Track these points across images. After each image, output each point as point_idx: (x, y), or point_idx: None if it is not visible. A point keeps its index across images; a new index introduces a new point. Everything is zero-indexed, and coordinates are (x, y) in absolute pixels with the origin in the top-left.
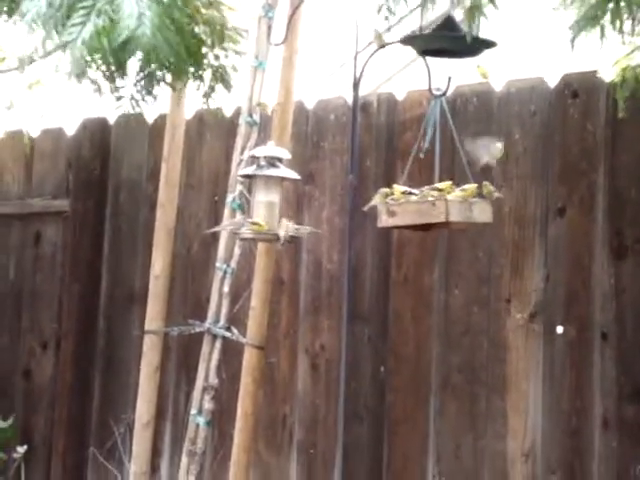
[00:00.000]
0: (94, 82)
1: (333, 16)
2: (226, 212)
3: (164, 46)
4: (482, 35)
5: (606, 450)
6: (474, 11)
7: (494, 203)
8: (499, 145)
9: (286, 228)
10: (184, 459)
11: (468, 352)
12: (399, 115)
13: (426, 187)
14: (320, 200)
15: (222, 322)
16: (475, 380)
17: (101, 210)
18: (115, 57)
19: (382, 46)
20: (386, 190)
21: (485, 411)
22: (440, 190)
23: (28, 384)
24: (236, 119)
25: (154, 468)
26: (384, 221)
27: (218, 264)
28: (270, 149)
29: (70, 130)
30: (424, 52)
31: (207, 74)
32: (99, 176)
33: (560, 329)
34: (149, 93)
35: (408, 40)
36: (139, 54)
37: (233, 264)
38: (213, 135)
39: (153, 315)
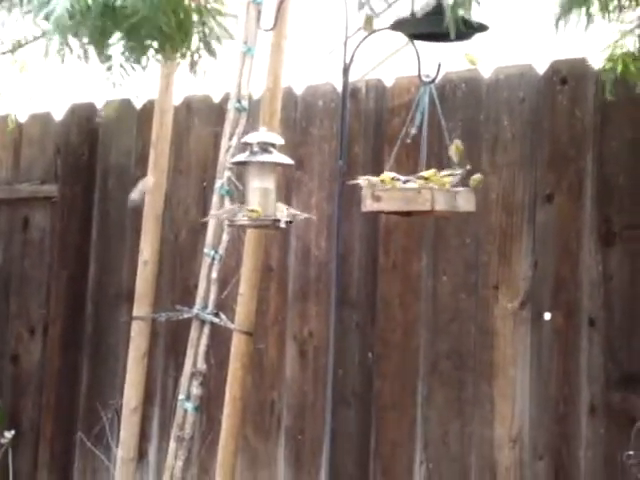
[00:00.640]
0: (82, 46)
1: (322, 2)
2: (215, 198)
3: (153, 9)
4: (473, 19)
5: (593, 436)
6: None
7: (480, 191)
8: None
9: (283, 211)
10: (172, 444)
11: (456, 339)
12: (388, 101)
13: (412, 175)
14: (308, 186)
15: (210, 308)
16: (463, 366)
17: (89, 195)
18: (101, 20)
19: (373, 32)
20: (371, 178)
21: (472, 397)
22: (426, 178)
23: (16, 369)
24: (224, 105)
25: (142, 453)
26: (369, 205)
27: (206, 250)
28: (263, 135)
29: (58, 115)
30: (414, 37)
31: (194, 41)
32: (87, 161)
33: (548, 316)
34: (137, 62)
35: (398, 25)
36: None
37: (221, 250)
38: (201, 121)
39: (141, 301)
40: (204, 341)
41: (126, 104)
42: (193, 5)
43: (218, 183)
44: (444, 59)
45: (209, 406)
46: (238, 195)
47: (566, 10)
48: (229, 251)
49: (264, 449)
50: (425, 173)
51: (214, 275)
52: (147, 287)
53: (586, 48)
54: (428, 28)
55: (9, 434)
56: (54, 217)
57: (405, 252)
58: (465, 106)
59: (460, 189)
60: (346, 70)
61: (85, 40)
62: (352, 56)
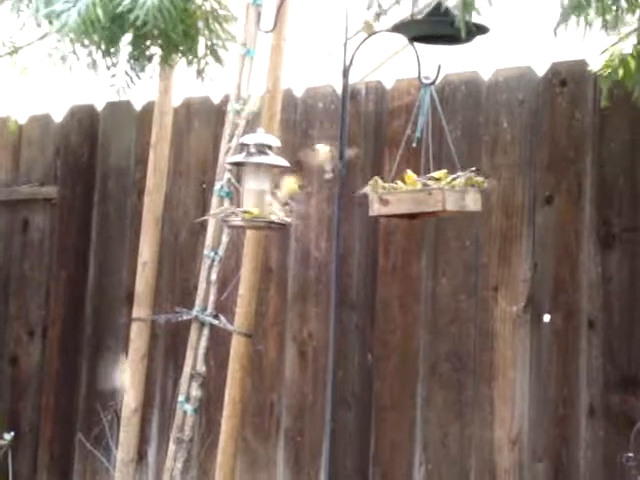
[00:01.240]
0: (89, 54)
1: (322, 3)
2: (214, 200)
3: (164, 19)
4: (474, 21)
5: (592, 438)
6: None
7: (483, 192)
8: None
9: (278, 212)
10: (171, 446)
11: (455, 340)
12: (387, 103)
13: (422, 177)
14: (308, 188)
15: (210, 310)
16: (462, 368)
17: (89, 197)
18: (110, 30)
19: (373, 34)
20: (377, 179)
21: (472, 399)
22: (437, 179)
23: (15, 371)
24: (224, 107)
25: (141, 455)
26: (376, 210)
27: (206, 251)
28: (260, 137)
29: (58, 117)
30: (414, 39)
31: (200, 48)
32: (87, 163)
33: (547, 317)
34: (142, 70)
35: (398, 27)
36: (131, 30)
37: (221, 251)
38: (201, 122)
39: (141, 302)
40: (203, 343)
41: (126, 106)
42: (199, 12)
43: (217, 185)
44: (444, 61)
45: (208, 408)
46: (237, 197)
47: (564, 18)
48: (229, 252)
49: (264, 451)
50: (436, 174)
51: (213, 276)
52: (147, 288)
53: (586, 50)
54: (428, 30)
55: (8, 436)
56: (54, 219)
57: (405, 254)
58: (465, 108)
59: (468, 189)
60: (346, 72)
61: (93, 48)
62: (352, 58)
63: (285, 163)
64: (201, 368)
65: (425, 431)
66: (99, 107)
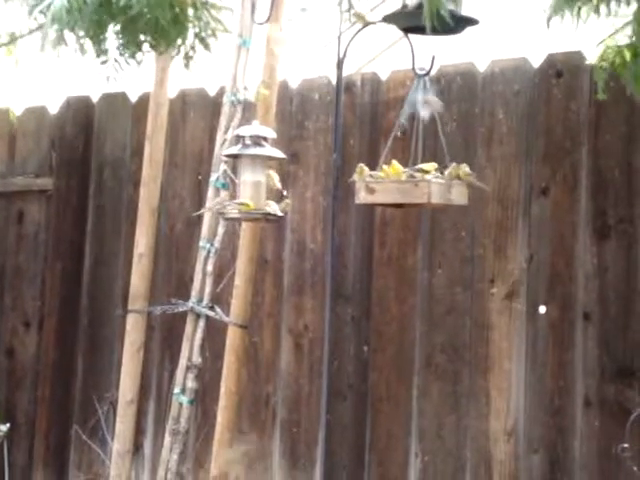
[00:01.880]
0: (78, 40)
1: None
2: (210, 191)
3: (150, 4)
4: (467, 13)
5: (588, 429)
6: None
7: (470, 186)
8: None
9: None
10: (167, 438)
11: (451, 332)
12: (383, 95)
13: (409, 168)
14: (304, 180)
15: (205, 301)
16: (458, 359)
17: (84, 188)
18: (98, 15)
19: (366, 25)
20: (363, 166)
21: (468, 390)
22: (425, 171)
23: (11, 363)
24: (220, 98)
25: (137, 446)
26: (362, 198)
27: (202, 243)
28: (255, 128)
29: (53, 108)
30: (407, 30)
31: (190, 35)
32: (82, 154)
33: (543, 309)
34: (132, 57)
35: (391, 18)
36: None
37: (217, 243)
38: (197, 114)
39: (136, 294)
40: (199, 334)
41: (121, 97)
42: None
43: (213, 176)
44: (440, 52)
45: (204, 399)
46: (233, 188)
47: (556, 10)
48: (224, 244)
49: (259, 442)
50: (425, 166)
51: (209, 268)
52: (142, 280)
53: (582, 41)
54: (417, 21)
55: (4, 427)
56: (49, 210)
57: (401, 245)
58: (460, 99)
59: (455, 182)
60: (340, 63)
61: (81, 34)
62: (346, 49)
63: (281, 154)
64: (197, 359)
65: (421, 422)
66: (94, 98)
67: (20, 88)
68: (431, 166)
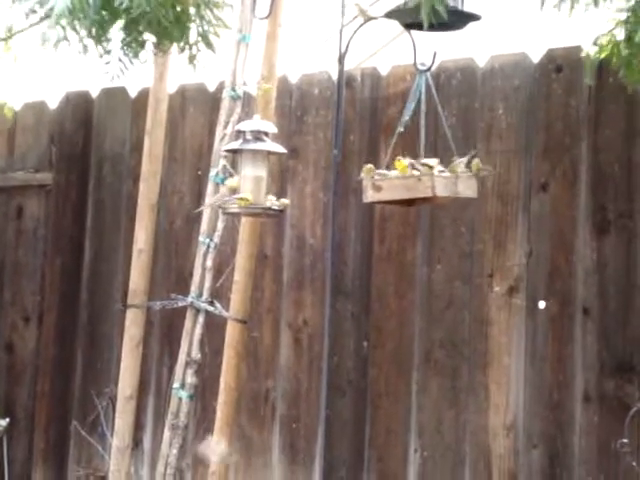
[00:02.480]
0: (81, 40)
1: None
2: (209, 187)
3: (149, 4)
4: (466, 8)
5: (587, 424)
6: None
7: (479, 179)
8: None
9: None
10: (167, 433)
11: (450, 327)
12: (383, 90)
13: (415, 163)
14: (303, 175)
15: (205, 296)
16: (457, 355)
17: (84, 183)
18: (100, 15)
19: (367, 20)
20: (371, 166)
21: (467, 385)
22: (430, 167)
23: (10, 358)
24: (219, 93)
25: (137, 442)
26: (370, 196)
27: (201, 238)
28: (256, 123)
29: (53, 103)
30: (409, 25)
31: (192, 34)
32: (82, 149)
33: (542, 304)
34: (136, 56)
35: (393, 13)
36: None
37: (216, 238)
38: (196, 109)
39: (136, 289)
40: (199, 329)
41: (121, 92)
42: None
43: (213, 171)
44: (440, 48)
45: (204, 394)
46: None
47: None
48: (224, 239)
49: (259, 437)
50: (429, 161)
51: (209, 263)
52: (142, 275)
53: (581, 36)
54: (419, 17)
55: (4, 422)
56: (48, 205)
57: (400, 240)
58: (460, 94)
59: (461, 175)
60: (341, 58)
61: (84, 34)
62: (347, 44)
63: (282, 149)
64: (196, 355)
65: (420, 418)
66: (94, 94)
67: (19, 83)
68: (434, 161)
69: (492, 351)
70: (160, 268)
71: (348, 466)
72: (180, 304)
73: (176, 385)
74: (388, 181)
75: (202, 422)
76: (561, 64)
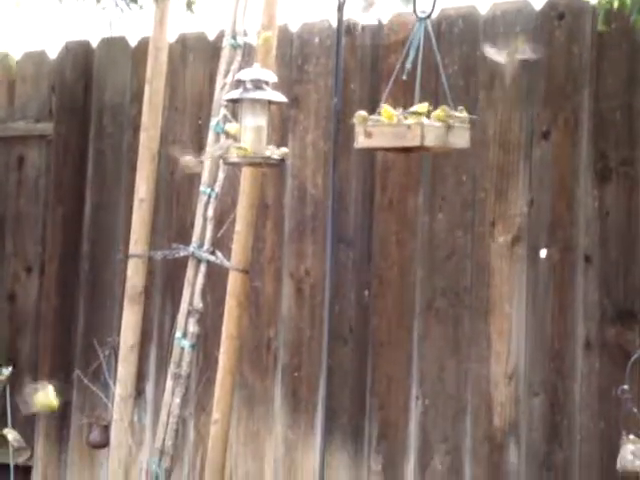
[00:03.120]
0: None
1: None
2: (210, 136)
3: None
4: None
5: (589, 372)
6: None
7: (477, 128)
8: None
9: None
10: (169, 382)
11: (452, 276)
12: (384, 38)
13: (404, 111)
14: (304, 124)
15: (206, 246)
16: (459, 303)
17: (84, 133)
18: None
19: None
20: (364, 113)
21: (468, 334)
22: (418, 113)
23: (13, 308)
24: (219, 42)
25: (139, 391)
26: (361, 142)
27: (202, 188)
28: (256, 72)
29: (53, 53)
30: None
31: None
32: (82, 99)
33: (544, 252)
34: (134, 1)
35: None
36: None
37: (217, 188)
38: (196, 58)
39: (137, 239)
40: (200, 279)
41: (121, 42)
42: None
43: (214, 121)
44: None
45: (206, 344)
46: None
47: None
48: (225, 189)
49: (261, 386)
50: (418, 107)
51: (210, 213)
52: (143, 225)
53: None
54: None
55: (7, 371)
56: (49, 155)
57: (402, 189)
58: (462, 42)
59: (454, 125)
60: (341, 7)
61: None
62: None
63: (282, 98)
64: (198, 304)
65: (421, 366)
66: (94, 43)
67: (19, 32)
68: (424, 107)
69: (494, 300)
70: (161, 218)
71: (350, 414)
72: (182, 254)
73: (178, 334)
74: (379, 128)
75: (204, 371)
76: (563, 11)
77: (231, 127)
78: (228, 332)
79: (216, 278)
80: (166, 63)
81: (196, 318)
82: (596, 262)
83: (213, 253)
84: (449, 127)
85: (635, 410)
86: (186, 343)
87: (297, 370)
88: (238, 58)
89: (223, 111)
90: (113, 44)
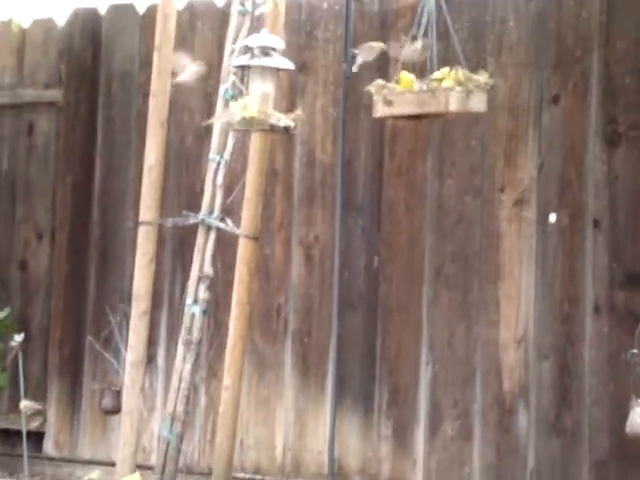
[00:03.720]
0: None
1: None
2: (219, 103)
3: None
4: None
5: (597, 335)
6: None
7: (488, 92)
8: None
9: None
10: (180, 348)
11: (461, 241)
12: (392, 3)
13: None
14: (313, 90)
15: (216, 213)
16: (468, 269)
17: (94, 100)
18: None
19: None
20: (381, 82)
21: (478, 299)
22: (440, 80)
23: (24, 275)
24: (228, 9)
25: (150, 357)
26: (380, 111)
27: (211, 155)
28: (264, 38)
29: (61, 20)
30: None
31: None
32: (91, 66)
33: (553, 217)
34: None
35: None
36: None
37: (226, 155)
38: (205, 25)
39: (147, 206)
40: (210, 246)
41: (129, 9)
42: None
43: (222, 88)
44: None
45: (217, 310)
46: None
47: None
48: (234, 156)
49: (271, 352)
50: (438, 74)
51: (219, 180)
52: (153, 192)
53: None
54: None
55: (19, 337)
56: (59, 122)
57: (410, 155)
58: (471, 6)
59: (473, 89)
60: None
61: None
62: None
63: (290, 65)
64: (208, 271)
65: (431, 331)
66: (102, 10)
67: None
68: (445, 72)
69: (503, 264)
70: (171, 185)
71: (360, 380)
72: (192, 221)
73: (189, 301)
74: (400, 95)
75: (215, 337)
76: None
77: (240, 102)
78: (238, 298)
79: (226, 245)
80: (174, 30)
81: (206, 284)
82: (605, 227)
83: (223, 220)
84: (469, 92)
85: None
86: (197, 309)
87: (307, 336)
88: (247, 24)
89: (232, 78)
90: (121, 11)
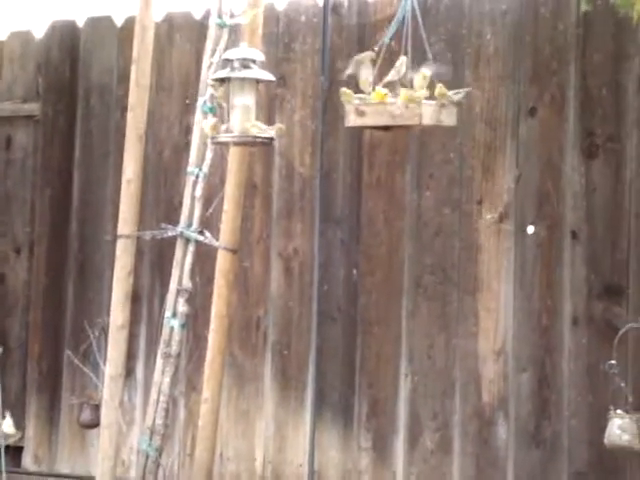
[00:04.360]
0: None
1: None
2: (198, 115)
3: None
4: None
5: (576, 347)
6: None
7: (464, 105)
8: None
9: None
10: (159, 361)
11: (440, 253)
12: (370, 16)
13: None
14: (292, 103)
15: (195, 226)
16: (447, 281)
17: (72, 114)
18: None
19: None
20: (348, 91)
21: (457, 311)
22: (413, 94)
23: (2, 289)
24: (206, 21)
25: (129, 370)
26: (352, 121)
27: (190, 168)
28: (244, 51)
29: (39, 33)
30: None
31: None
32: (69, 79)
33: (531, 229)
34: None
35: None
36: None
37: (205, 168)
38: (183, 37)
39: (125, 219)
40: (189, 259)
41: (107, 21)
42: None
43: (201, 100)
44: None
45: (195, 323)
46: (221, 112)
47: None
48: (213, 169)
49: (251, 365)
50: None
51: (198, 193)
52: (131, 205)
53: None
54: None
55: None
56: (37, 136)
57: (389, 167)
58: (448, 19)
59: (446, 103)
60: None
61: None
62: None
63: (270, 77)
64: (187, 284)
65: (410, 343)
66: (80, 23)
67: (5, 12)
68: (419, 86)
69: (481, 277)
70: (149, 198)
71: (339, 392)
72: (170, 234)
73: (168, 314)
74: (372, 106)
75: (194, 350)
76: None
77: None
78: (217, 311)
79: (205, 258)
80: (152, 42)
81: (185, 298)
82: (583, 238)
83: (202, 233)
84: (442, 105)
85: (623, 385)
86: (176, 322)
87: (286, 349)
88: (225, 37)
89: (210, 90)
90: (99, 23)
